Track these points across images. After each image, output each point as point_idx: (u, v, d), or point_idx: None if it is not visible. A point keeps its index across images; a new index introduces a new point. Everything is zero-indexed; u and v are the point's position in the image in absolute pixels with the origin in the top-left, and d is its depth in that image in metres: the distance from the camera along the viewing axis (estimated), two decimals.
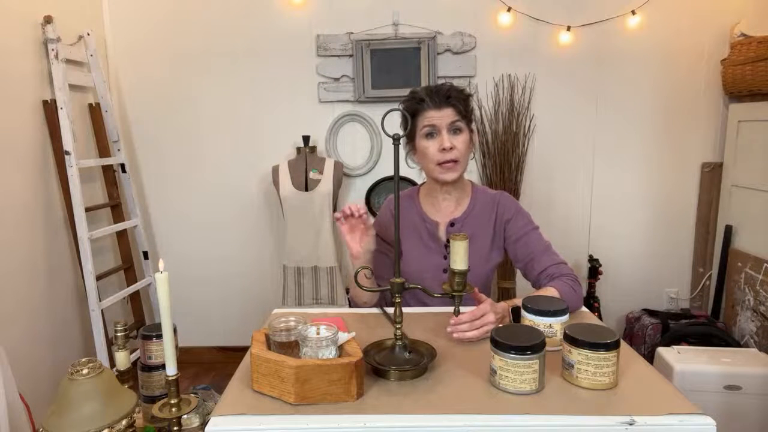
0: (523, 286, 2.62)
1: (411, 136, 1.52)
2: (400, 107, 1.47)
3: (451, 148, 1.44)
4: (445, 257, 1.54)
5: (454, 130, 1.46)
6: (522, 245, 1.52)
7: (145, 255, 2.89)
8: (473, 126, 1.54)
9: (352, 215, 1.38)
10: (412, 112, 1.48)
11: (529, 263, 1.51)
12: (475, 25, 2.84)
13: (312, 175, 2.76)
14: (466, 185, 1.59)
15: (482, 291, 1.57)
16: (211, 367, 3.06)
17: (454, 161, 1.46)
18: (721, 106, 2.88)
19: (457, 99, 1.45)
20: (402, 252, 1.55)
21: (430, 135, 1.46)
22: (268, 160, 2.90)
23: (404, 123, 1.49)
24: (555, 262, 1.48)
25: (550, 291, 1.37)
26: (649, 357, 2.48)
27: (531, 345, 0.94)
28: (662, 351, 2.25)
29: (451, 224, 1.55)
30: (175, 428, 0.93)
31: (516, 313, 1.31)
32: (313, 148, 2.85)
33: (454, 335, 1.19)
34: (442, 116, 1.44)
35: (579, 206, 3.02)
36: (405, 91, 2.74)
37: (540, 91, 2.90)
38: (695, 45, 2.84)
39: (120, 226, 2.75)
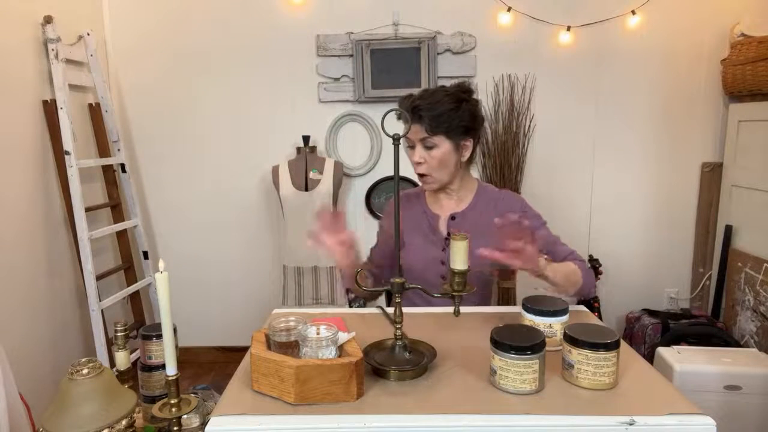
0: (523, 287, 2.62)
1: None
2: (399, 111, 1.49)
3: (420, 163, 1.48)
4: (444, 249, 1.57)
5: (426, 147, 1.48)
6: (537, 240, 1.54)
7: (145, 255, 2.89)
8: (463, 137, 1.48)
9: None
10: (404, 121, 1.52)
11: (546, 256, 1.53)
12: (475, 25, 2.84)
13: (312, 175, 2.75)
14: (472, 183, 1.62)
15: (482, 289, 1.59)
16: (211, 367, 3.06)
17: (424, 175, 1.50)
18: (721, 106, 2.88)
19: (426, 116, 1.43)
20: (404, 243, 1.58)
21: (410, 147, 1.51)
22: (268, 160, 2.90)
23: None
24: (570, 252, 1.53)
25: (570, 265, 1.44)
26: (649, 357, 2.47)
27: (531, 345, 0.94)
28: (662, 351, 2.25)
29: (452, 218, 1.58)
30: (175, 428, 0.93)
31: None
32: (313, 148, 2.85)
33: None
34: (414, 131, 1.47)
35: (579, 206, 3.02)
36: (405, 92, 2.75)
37: (540, 91, 2.90)
38: (695, 45, 2.84)
39: (120, 226, 2.75)
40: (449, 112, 1.46)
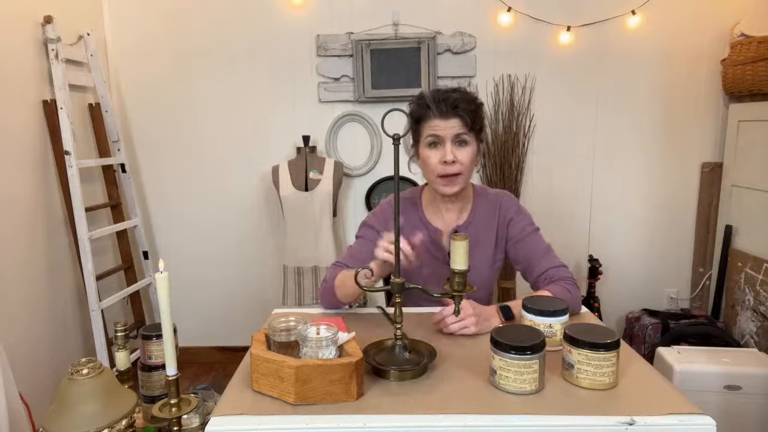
0: (524, 286, 2.62)
1: (415, 142, 1.46)
2: (406, 110, 1.41)
3: (453, 162, 1.37)
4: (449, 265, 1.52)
5: (459, 143, 1.39)
6: (522, 247, 1.50)
7: (145, 255, 2.89)
8: (482, 136, 1.47)
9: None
10: (417, 117, 1.41)
11: (529, 266, 1.49)
12: (475, 25, 2.84)
13: (312, 175, 2.75)
14: (468, 189, 1.55)
15: (485, 293, 1.57)
16: (211, 367, 3.06)
17: (456, 174, 1.40)
18: (721, 106, 2.88)
19: (465, 110, 1.36)
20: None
21: (433, 144, 1.40)
22: (268, 160, 2.90)
23: (408, 124, 1.47)
24: (554, 264, 1.45)
25: (544, 294, 1.35)
26: (649, 357, 2.47)
27: (531, 345, 0.94)
28: (662, 351, 2.25)
29: (455, 232, 1.52)
30: (175, 428, 0.93)
31: (506, 311, 1.31)
32: (313, 148, 2.85)
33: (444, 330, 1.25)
34: (447, 126, 1.37)
35: (579, 206, 3.02)
36: (405, 91, 2.78)
37: (540, 91, 2.90)
38: (695, 45, 2.84)
39: (120, 226, 2.75)
40: (481, 110, 1.43)
